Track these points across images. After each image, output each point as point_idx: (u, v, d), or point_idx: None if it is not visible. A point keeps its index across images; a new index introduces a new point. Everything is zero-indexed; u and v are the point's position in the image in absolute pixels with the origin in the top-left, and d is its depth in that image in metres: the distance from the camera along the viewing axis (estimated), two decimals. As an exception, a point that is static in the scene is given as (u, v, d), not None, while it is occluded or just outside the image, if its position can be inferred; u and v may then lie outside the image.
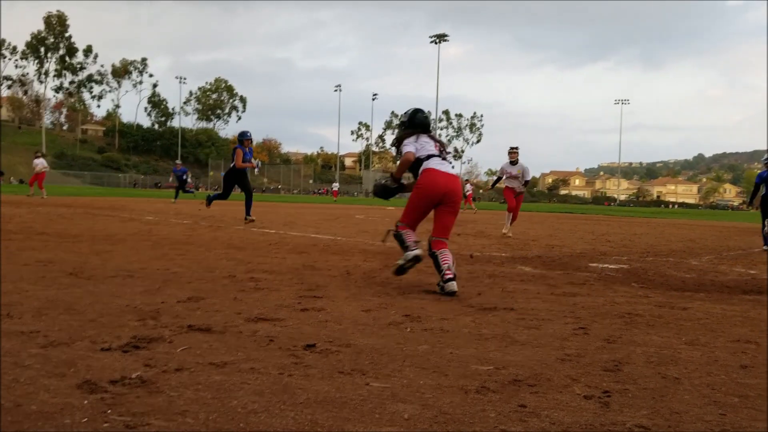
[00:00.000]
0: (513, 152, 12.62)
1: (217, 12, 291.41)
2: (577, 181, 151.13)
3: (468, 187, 35.08)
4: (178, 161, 29.14)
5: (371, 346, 3.03)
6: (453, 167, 5.51)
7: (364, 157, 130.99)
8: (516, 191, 12.68)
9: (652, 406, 2.32)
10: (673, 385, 2.59)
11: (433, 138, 5.47)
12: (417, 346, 3.07)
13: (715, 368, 2.88)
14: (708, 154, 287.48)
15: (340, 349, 2.96)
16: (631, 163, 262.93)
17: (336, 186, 53.47)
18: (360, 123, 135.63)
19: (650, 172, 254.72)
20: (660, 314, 4.26)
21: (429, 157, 5.28)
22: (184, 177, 26.63)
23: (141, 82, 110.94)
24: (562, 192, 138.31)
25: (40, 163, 23.33)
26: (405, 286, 5.06)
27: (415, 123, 5.50)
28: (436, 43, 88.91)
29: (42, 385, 2.27)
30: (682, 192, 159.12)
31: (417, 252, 5.06)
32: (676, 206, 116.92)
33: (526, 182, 12.88)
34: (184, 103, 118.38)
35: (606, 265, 7.49)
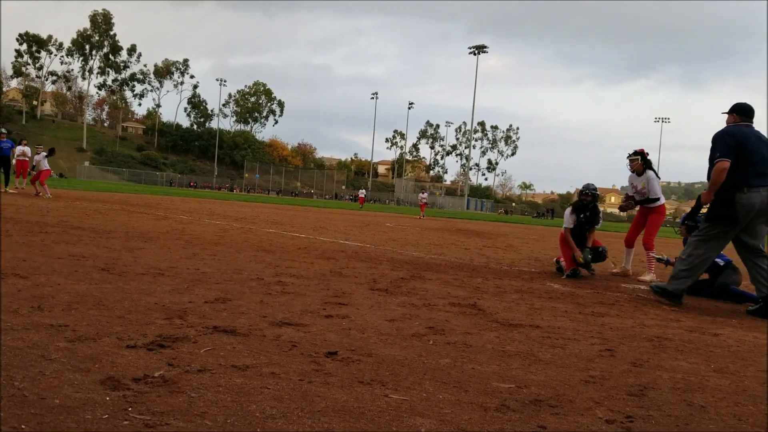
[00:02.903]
0: (633, 159, 8.82)
1: (259, 16, 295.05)
2: (612, 198, 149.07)
3: (424, 195, 34.52)
4: (3, 130, 19.14)
5: (392, 357, 3.02)
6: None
7: (397, 166, 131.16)
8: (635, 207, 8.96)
9: (676, 435, 2.27)
10: (698, 414, 2.53)
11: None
12: (439, 360, 3.06)
13: (743, 398, 2.81)
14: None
15: (361, 358, 2.96)
16: (669, 183, 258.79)
17: (362, 192, 52.30)
18: (395, 131, 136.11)
19: (688, 192, 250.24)
20: (690, 339, 4.18)
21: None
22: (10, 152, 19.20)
23: (182, 83, 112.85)
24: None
25: (29, 152, 20.29)
26: (431, 298, 5.04)
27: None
28: (475, 54, 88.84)
29: (66, 379, 2.31)
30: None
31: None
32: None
33: (649, 201, 8.69)
34: (223, 105, 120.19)
35: (638, 286, 7.37)
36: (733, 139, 5.62)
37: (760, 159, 5.59)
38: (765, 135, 5.86)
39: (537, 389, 2.69)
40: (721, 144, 5.66)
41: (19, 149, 19.87)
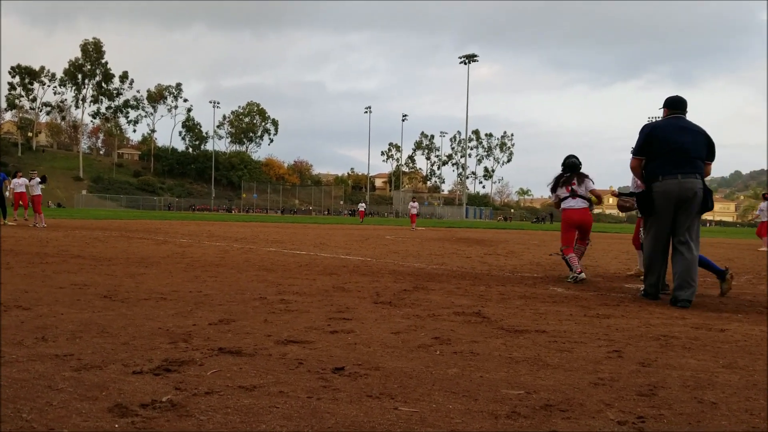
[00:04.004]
0: None
1: (248, 37, 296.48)
2: (610, 200, 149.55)
3: (414, 204, 33.13)
4: None
5: (400, 370, 3.01)
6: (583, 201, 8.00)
7: (394, 178, 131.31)
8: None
9: (689, 433, 2.26)
10: (709, 410, 2.52)
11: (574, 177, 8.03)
12: (446, 370, 3.04)
13: (754, 392, 2.80)
14: (745, 171, 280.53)
15: (368, 372, 2.95)
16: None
17: (362, 206, 52.32)
18: (390, 144, 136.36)
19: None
20: (696, 336, 4.16)
21: (564, 198, 8.01)
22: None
23: (176, 107, 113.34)
24: (596, 211, 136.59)
25: (22, 183, 20.12)
26: (435, 308, 5.03)
27: (564, 164, 8.20)
28: (465, 63, 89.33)
29: (74, 408, 2.30)
30: (719, 210, 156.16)
31: (582, 276, 7.55)
32: (713, 224, 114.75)
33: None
34: (218, 126, 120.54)
35: (641, 286, 7.35)
36: (646, 136, 5.99)
37: (676, 149, 5.82)
38: (695, 125, 6.02)
39: (546, 394, 2.68)
40: (637, 142, 6.09)
41: (15, 182, 19.85)
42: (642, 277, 8.38)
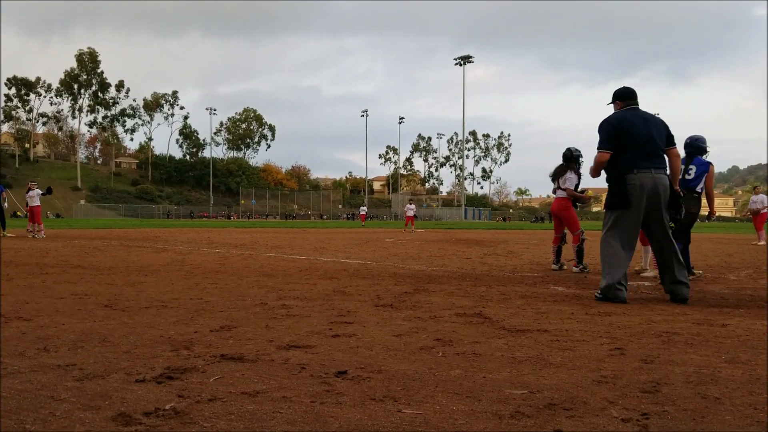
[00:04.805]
0: None
1: (244, 43, 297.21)
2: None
3: (411, 206, 31.76)
4: None
5: (403, 372, 3.01)
6: (563, 190, 9.03)
7: (392, 181, 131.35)
8: None
9: (692, 428, 2.26)
10: (713, 406, 2.52)
11: (568, 170, 8.97)
12: (449, 371, 3.04)
13: (757, 387, 2.80)
14: (742, 166, 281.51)
15: (371, 375, 2.95)
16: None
17: (363, 209, 52.63)
18: (388, 147, 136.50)
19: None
20: (698, 332, 4.16)
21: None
22: None
23: (172, 115, 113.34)
24: (595, 209, 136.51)
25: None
26: (436, 310, 5.03)
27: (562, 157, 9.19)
28: (461, 64, 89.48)
29: (78, 418, 2.29)
30: (718, 205, 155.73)
31: (553, 268, 9.23)
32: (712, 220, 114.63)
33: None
34: (215, 133, 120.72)
35: (642, 283, 7.36)
36: (613, 128, 5.74)
37: (646, 142, 5.68)
38: (652, 114, 5.89)
39: (550, 393, 2.67)
40: (602, 134, 5.81)
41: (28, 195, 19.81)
42: (642, 273, 8.40)
